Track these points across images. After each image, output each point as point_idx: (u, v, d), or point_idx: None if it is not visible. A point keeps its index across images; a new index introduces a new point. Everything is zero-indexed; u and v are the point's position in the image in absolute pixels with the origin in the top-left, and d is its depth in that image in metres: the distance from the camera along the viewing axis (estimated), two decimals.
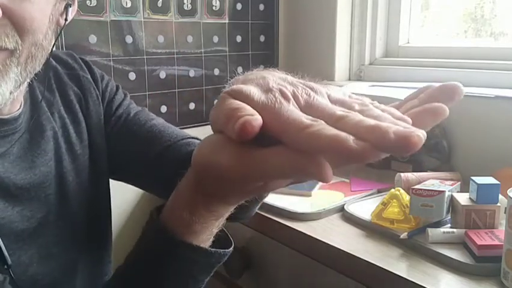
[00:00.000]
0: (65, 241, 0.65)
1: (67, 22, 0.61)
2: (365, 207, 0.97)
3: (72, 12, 0.61)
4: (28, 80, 0.57)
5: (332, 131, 0.29)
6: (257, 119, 0.32)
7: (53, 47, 0.60)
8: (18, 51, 0.52)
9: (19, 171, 0.60)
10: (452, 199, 0.86)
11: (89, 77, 0.73)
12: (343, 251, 0.82)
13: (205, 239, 0.48)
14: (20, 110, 0.62)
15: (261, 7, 1.56)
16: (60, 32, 0.60)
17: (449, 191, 0.85)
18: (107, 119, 0.74)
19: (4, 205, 0.57)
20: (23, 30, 0.51)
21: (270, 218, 0.97)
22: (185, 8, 1.37)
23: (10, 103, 0.57)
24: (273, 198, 1.00)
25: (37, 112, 0.64)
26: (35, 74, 0.59)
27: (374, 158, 0.29)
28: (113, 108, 0.75)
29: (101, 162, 0.73)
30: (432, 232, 0.81)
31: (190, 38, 1.40)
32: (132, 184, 0.79)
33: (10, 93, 0.53)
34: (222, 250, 0.50)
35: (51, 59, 0.70)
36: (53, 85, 0.69)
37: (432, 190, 0.84)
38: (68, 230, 0.66)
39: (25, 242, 0.59)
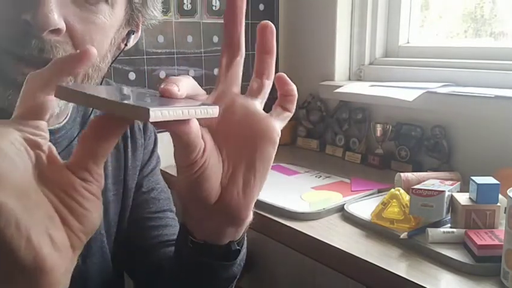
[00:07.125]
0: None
1: (127, 47, 0.60)
2: (365, 207, 0.97)
3: (134, 39, 0.61)
4: None
5: None
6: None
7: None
8: None
9: None
10: (452, 199, 0.86)
11: (141, 126, 0.73)
12: (343, 251, 0.82)
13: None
14: (63, 122, 0.61)
15: (261, 7, 1.56)
16: (118, 56, 0.59)
17: (449, 191, 0.85)
18: (140, 179, 0.73)
19: None
20: None
21: (270, 218, 0.97)
22: (185, 8, 1.37)
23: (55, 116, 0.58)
24: (273, 198, 1.00)
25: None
26: None
27: None
28: (147, 172, 0.75)
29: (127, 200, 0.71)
30: (432, 232, 0.81)
31: (190, 38, 1.40)
32: None
33: (58, 107, 0.54)
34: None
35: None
36: None
37: (432, 190, 0.84)
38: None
39: None
